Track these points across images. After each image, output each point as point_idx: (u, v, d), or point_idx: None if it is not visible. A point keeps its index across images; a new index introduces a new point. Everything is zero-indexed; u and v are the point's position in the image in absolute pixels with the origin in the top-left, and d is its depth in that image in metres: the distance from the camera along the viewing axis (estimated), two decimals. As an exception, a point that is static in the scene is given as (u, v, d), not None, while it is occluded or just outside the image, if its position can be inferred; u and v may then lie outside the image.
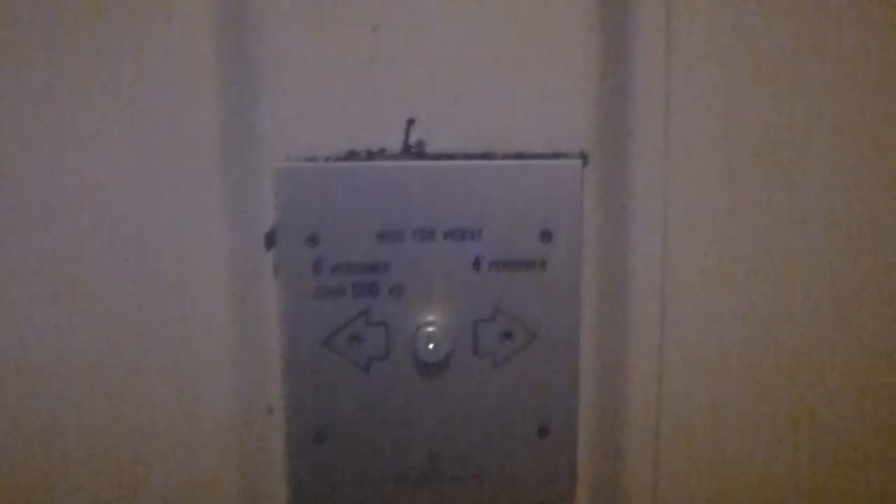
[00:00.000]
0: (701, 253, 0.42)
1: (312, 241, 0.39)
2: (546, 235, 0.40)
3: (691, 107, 0.41)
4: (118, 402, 0.41)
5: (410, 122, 0.40)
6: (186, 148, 0.39)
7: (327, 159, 0.39)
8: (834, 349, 0.43)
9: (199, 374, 0.40)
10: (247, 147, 0.39)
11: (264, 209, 0.40)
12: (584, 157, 0.40)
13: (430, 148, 0.40)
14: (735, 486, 0.44)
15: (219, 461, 0.41)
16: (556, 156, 0.40)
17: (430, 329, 0.40)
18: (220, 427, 0.41)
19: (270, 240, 0.40)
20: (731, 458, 0.44)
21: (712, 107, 0.41)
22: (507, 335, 0.41)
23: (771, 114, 0.41)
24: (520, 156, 0.40)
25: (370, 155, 0.39)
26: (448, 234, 0.40)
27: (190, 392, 0.40)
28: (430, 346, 0.39)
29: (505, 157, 0.40)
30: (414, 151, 0.40)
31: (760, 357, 0.43)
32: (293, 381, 0.41)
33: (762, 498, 0.44)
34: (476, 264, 0.40)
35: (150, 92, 0.38)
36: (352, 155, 0.39)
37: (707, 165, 0.41)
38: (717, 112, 0.41)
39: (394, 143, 0.40)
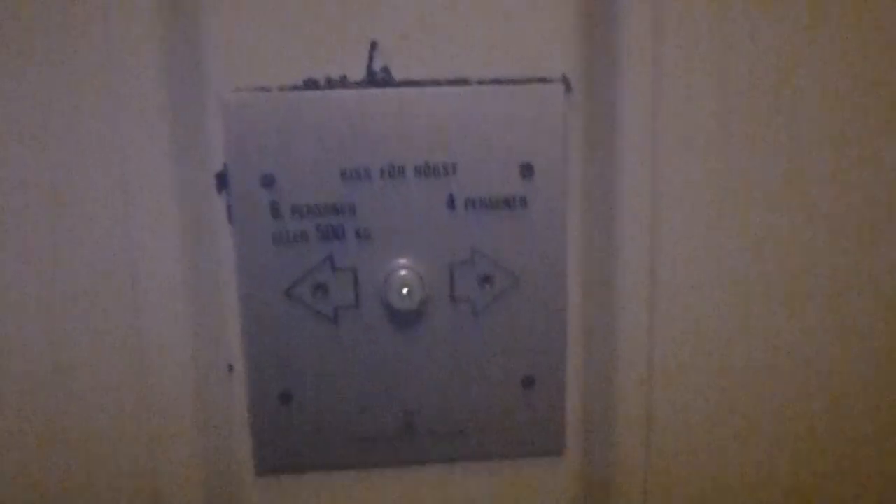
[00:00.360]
0: (692, 182, 0.38)
1: (268, 180, 0.35)
2: (527, 169, 0.37)
3: (682, 28, 0.37)
4: (67, 364, 0.37)
5: (374, 45, 0.36)
6: (128, 83, 0.34)
7: (282, 88, 0.35)
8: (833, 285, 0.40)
9: (154, 332, 0.37)
10: (192, 78, 0.35)
11: (215, 147, 0.36)
12: (566, 81, 0.37)
13: (397, 75, 0.36)
14: (728, 428, 0.41)
15: (180, 424, 0.38)
16: (536, 80, 0.36)
17: (403, 273, 0.36)
18: (178, 388, 0.37)
19: (222, 181, 0.36)
20: (724, 398, 0.41)
21: (704, 28, 0.37)
22: (487, 280, 0.37)
23: (766, 34, 0.37)
24: (496, 81, 0.36)
25: (330, 83, 0.35)
26: (419, 171, 0.36)
27: (144, 351, 0.37)
28: (404, 291, 0.36)
29: (480, 82, 0.36)
30: (379, 78, 0.36)
31: (755, 286, 0.40)
32: (254, 336, 0.37)
33: (756, 438, 0.42)
34: (451, 203, 0.37)
35: (85, 25, 0.34)
36: (310, 83, 0.35)
37: (698, 89, 0.37)
38: (709, 32, 0.37)
39: (357, 70, 0.36)
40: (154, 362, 0.37)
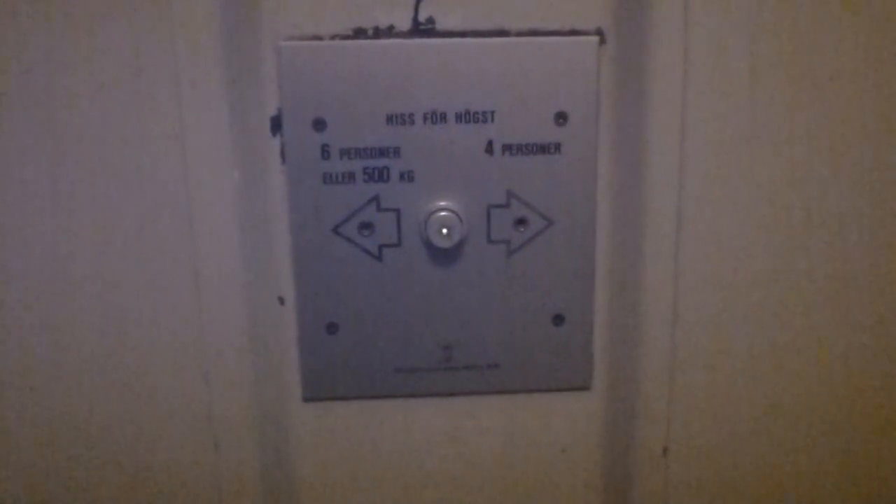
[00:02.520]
0: (720, 130, 0.40)
1: (319, 124, 0.38)
2: (561, 117, 0.39)
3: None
4: (124, 296, 0.40)
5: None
6: (184, 30, 0.37)
7: (333, 37, 0.38)
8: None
9: (208, 267, 0.39)
10: (248, 26, 0.37)
11: (270, 92, 0.38)
12: (600, 34, 0.39)
13: (441, 25, 0.38)
14: (751, 370, 0.44)
15: (233, 353, 0.41)
16: (572, 33, 0.39)
17: (443, 214, 0.39)
18: (231, 319, 0.40)
19: (276, 124, 0.38)
20: (747, 339, 0.43)
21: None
22: (522, 221, 0.40)
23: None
24: (534, 33, 0.38)
25: (378, 33, 0.38)
26: (460, 117, 0.38)
27: (200, 284, 0.40)
28: (444, 231, 0.39)
29: (518, 34, 0.38)
30: (423, 29, 0.38)
31: (782, 241, 0.42)
32: (303, 271, 0.40)
33: (778, 387, 0.44)
34: (489, 148, 0.39)
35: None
36: (359, 33, 0.38)
37: (729, 42, 0.39)
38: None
39: (403, 20, 0.38)
40: (209, 295, 0.40)
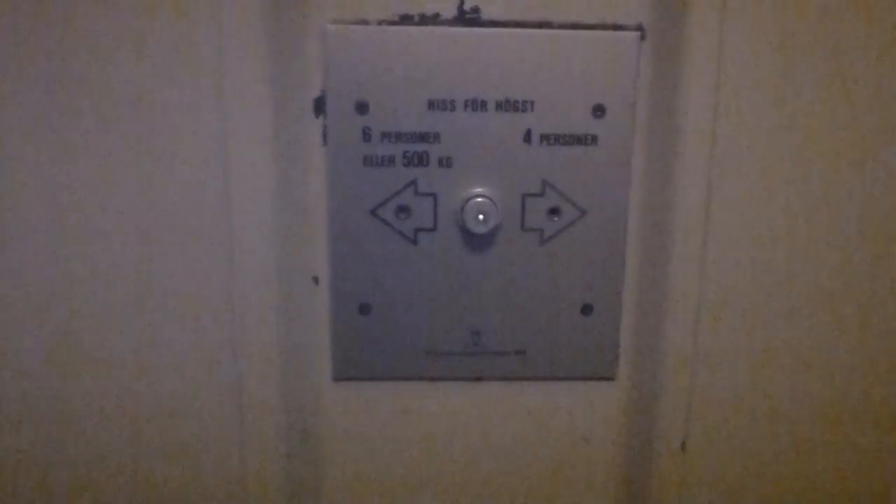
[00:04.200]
0: (753, 135, 0.41)
1: (362, 107, 0.39)
2: (599, 110, 0.39)
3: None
4: (161, 273, 0.41)
5: (463, -14, 0.38)
6: (231, 6, 0.37)
7: (380, 22, 0.38)
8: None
9: (245, 244, 0.40)
10: (295, 7, 0.38)
11: (314, 74, 0.39)
12: (641, 29, 0.39)
13: (485, 15, 0.39)
14: (774, 370, 0.44)
15: (265, 330, 0.41)
16: (613, 27, 0.39)
17: (479, 200, 0.39)
18: (265, 297, 0.41)
19: (319, 105, 0.39)
20: (771, 337, 0.44)
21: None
22: (555, 211, 0.40)
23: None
24: (576, 26, 0.39)
25: (423, 19, 0.38)
26: (500, 105, 0.39)
27: (235, 261, 0.40)
28: (479, 217, 0.39)
29: (561, 26, 0.39)
30: (468, 18, 0.39)
31: (809, 238, 0.43)
32: (339, 251, 0.40)
33: (800, 386, 0.45)
34: (527, 137, 0.39)
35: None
36: (405, 19, 0.38)
37: (763, 44, 0.40)
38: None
39: (448, 8, 0.38)
40: (244, 272, 0.41)
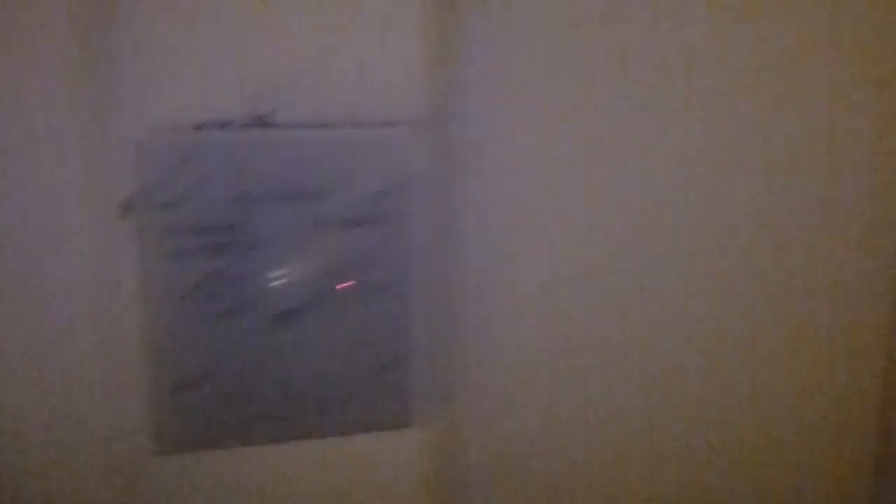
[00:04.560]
0: (519, 201, 0.49)
1: (169, 206, 0.43)
2: (382, 195, 0.46)
3: (516, 81, 0.48)
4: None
5: (257, 95, 0.44)
6: (46, 115, 0.41)
7: (182, 129, 0.43)
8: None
9: (61, 328, 0.43)
10: (107, 119, 0.42)
11: (124, 178, 0.42)
12: (412, 125, 0.46)
13: (278, 118, 0.44)
14: (555, 407, 0.53)
15: (84, 408, 0.44)
16: (390, 124, 0.46)
17: (280, 282, 0.44)
18: (83, 376, 0.44)
19: (129, 207, 0.43)
20: (555, 386, 0.52)
21: (529, 73, 0.48)
22: (350, 284, 0.46)
23: (591, 72, 0.49)
24: (358, 124, 0.45)
25: (222, 125, 0.43)
26: (294, 196, 0.45)
27: (56, 342, 0.43)
28: (280, 297, 0.44)
29: (345, 125, 0.45)
30: (261, 122, 0.44)
31: (579, 298, 0.51)
32: (156, 335, 0.44)
33: (585, 429, 0.53)
34: (320, 222, 0.45)
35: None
36: (207, 125, 0.43)
37: (527, 126, 0.48)
38: (540, 82, 0.48)
39: (245, 114, 0.44)
40: (62, 353, 0.43)
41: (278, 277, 0.45)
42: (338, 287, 0.46)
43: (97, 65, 0.41)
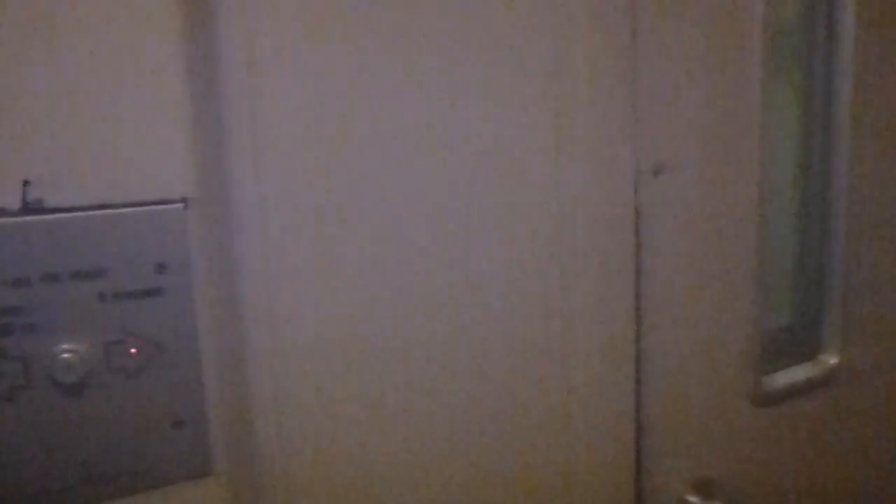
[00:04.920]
0: (303, 269, 0.54)
1: (-57, 294, 0.45)
2: (161, 267, 0.50)
3: (282, 152, 0.52)
4: None
5: (26, 182, 0.46)
6: None
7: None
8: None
9: None
10: None
11: None
12: (185, 201, 0.50)
13: (49, 203, 0.47)
14: (348, 457, 0.57)
15: None
16: (162, 202, 0.50)
17: (66, 356, 0.47)
18: None
19: None
20: (343, 435, 0.57)
21: (302, 152, 0.53)
22: (137, 352, 0.50)
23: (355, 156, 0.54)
24: (131, 204, 0.49)
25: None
26: (73, 275, 0.48)
27: None
28: (68, 369, 0.47)
29: (119, 205, 0.49)
30: (33, 208, 0.47)
31: (364, 351, 0.56)
32: (-62, 420, 0.46)
33: (376, 470, 0.58)
34: (102, 297, 0.48)
35: None
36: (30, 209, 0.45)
37: (300, 201, 0.53)
38: (309, 157, 0.53)
39: (13, 201, 0.46)
40: None
41: (63, 353, 0.47)
42: (128, 353, 0.49)
43: None
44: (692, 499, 0.81)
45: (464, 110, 0.59)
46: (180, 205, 0.50)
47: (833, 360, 0.91)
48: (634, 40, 0.67)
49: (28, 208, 0.47)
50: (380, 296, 0.57)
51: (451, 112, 0.59)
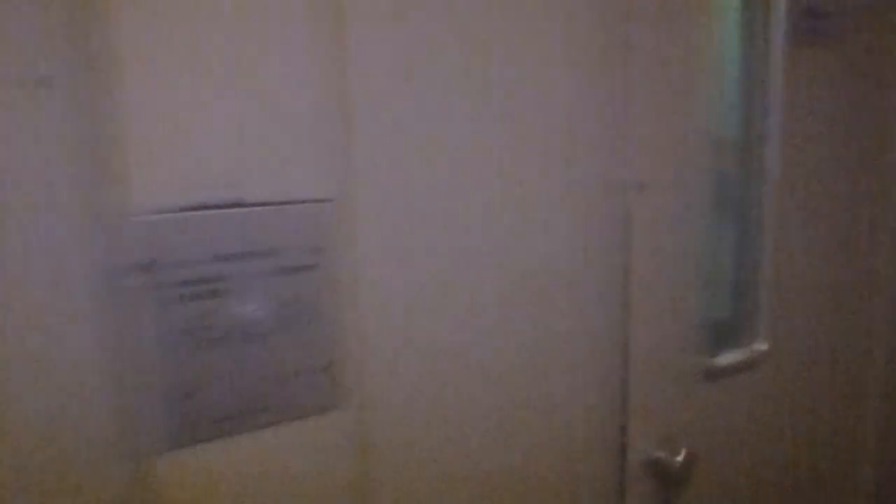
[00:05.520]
0: (404, 256, 0.72)
1: (178, 264, 0.61)
2: (316, 250, 0.67)
3: (397, 166, 0.71)
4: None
5: (230, 182, 0.63)
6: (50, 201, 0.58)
7: (171, 210, 0.61)
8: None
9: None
10: (114, 198, 0.59)
11: (130, 247, 0.60)
12: (332, 200, 0.68)
13: (246, 200, 0.64)
14: (432, 396, 0.75)
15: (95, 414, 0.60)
16: (318, 200, 0.67)
17: (253, 314, 0.64)
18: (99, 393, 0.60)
19: (143, 267, 0.60)
20: (427, 381, 0.75)
21: (412, 163, 0.71)
22: (300, 312, 0.67)
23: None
24: (297, 201, 0.66)
25: (204, 207, 0.62)
26: (258, 254, 0.64)
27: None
28: (254, 324, 0.64)
29: (290, 202, 0.66)
30: (236, 203, 0.63)
31: (445, 322, 0.75)
32: (163, 360, 0.62)
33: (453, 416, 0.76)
34: (276, 271, 0.65)
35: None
36: (201, 206, 0.62)
37: (407, 204, 0.71)
38: (416, 167, 0.71)
39: (226, 198, 0.63)
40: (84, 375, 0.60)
41: (252, 310, 0.64)
42: (294, 312, 0.66)
43: (102, 146, 0.59)
44: (660, 453, 1.01)
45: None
46: (330, 202, 0.68)
47: (764, 347, 1.15)
48: (626, 88, 0.89)
49: (232, 204, 0.63)
50: (456, 282, 0.76)
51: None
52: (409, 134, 0.72)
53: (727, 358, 1.11)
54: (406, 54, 0.71)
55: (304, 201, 0.66)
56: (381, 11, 0.69)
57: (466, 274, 0.77)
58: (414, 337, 0.74)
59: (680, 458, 0.99)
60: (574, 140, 0.83)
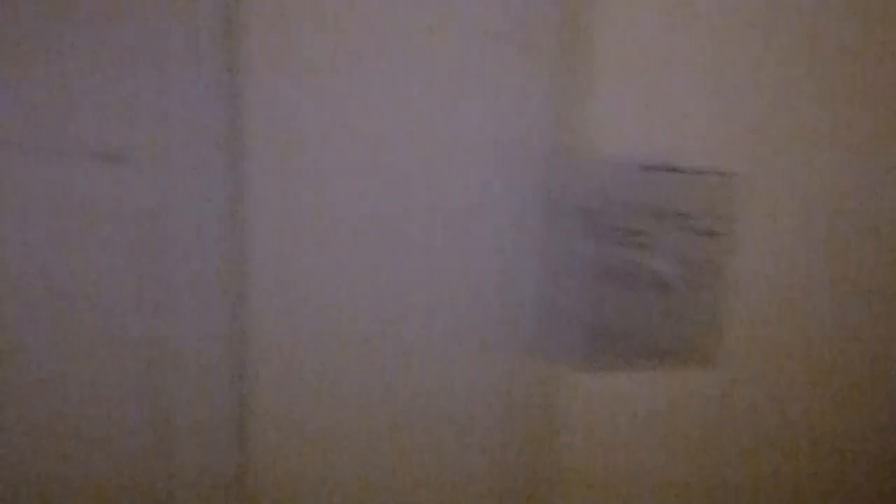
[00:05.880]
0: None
1: (590, 213, 0.69)
2: (718, 218, 0.74)
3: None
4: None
5: (670, 148, 0.71)
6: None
7: (627, 166, 0.69)
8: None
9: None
10: (572, 150, 0.68)
11: (585, 191, 0.69)
12: (733, 174, 0.75)
13: (670, 165, 0.71)
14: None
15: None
16: (724, 174, 0.74)
17: (664, 268, 0.72)
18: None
19: (590, 212, 0.69)
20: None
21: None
22: (700, 270, 0.74)
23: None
24: (711, 172, 0.73)
25: (665, 169, 0.70)
26: (672, 215, 0.72)
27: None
28: (665, 275, 0.72)
29: (704, 172, 0.73)
30: (658, 167, 0.71)
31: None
32: (579, 297, 0.70)
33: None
34: (686, 231, 0.73)
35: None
36: (646, 166, 0.70)
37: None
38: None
39: (654, 163, 0.71)
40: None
41: (664, 263, 0.72)
42: (697, 270, 0.74)
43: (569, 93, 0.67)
44: None
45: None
46: (733, 176, 0.74)
47: None
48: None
49: (671, 167, 0.71)
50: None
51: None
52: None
53: None
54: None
55: (719, 173, 0.73)
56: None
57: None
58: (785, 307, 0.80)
59: None
60: None
